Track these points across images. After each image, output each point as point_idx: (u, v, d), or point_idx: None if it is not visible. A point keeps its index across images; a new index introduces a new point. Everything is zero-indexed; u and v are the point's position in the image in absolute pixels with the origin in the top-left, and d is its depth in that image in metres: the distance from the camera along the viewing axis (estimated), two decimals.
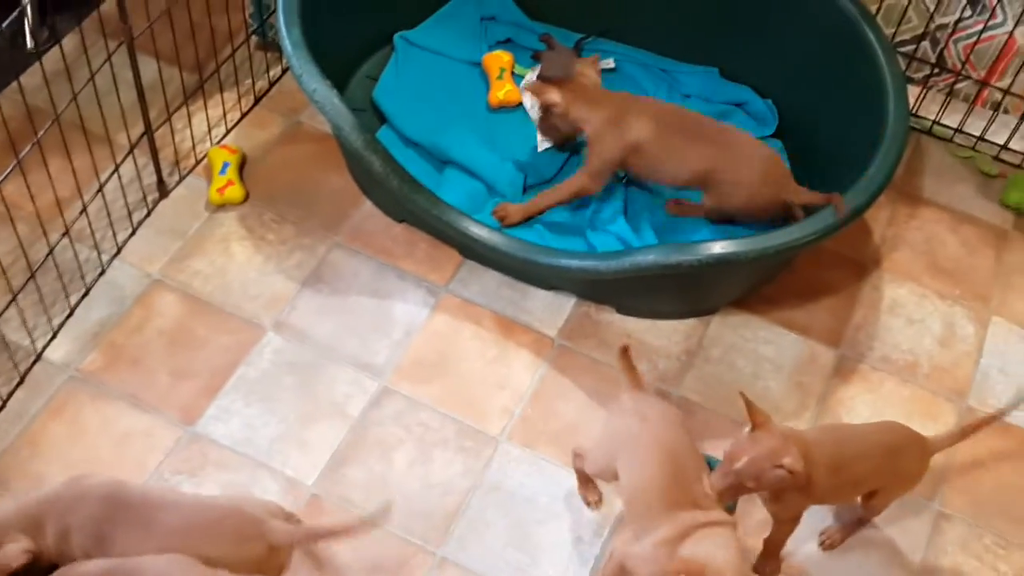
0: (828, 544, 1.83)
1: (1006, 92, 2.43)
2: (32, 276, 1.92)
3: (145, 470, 1.82)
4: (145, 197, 2.16)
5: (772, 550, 1.75)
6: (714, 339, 2.09)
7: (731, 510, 1.71)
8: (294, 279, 2.09)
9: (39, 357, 1.94)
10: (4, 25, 1.70)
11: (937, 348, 2.13)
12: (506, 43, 2.52)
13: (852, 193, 1.96)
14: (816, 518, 1.83)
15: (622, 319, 2.10)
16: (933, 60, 2.47)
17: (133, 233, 2.13)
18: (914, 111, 2.47)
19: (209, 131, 2.30)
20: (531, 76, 2.38)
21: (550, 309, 2.11)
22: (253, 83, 2.38)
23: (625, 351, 1.77)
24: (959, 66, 2.45)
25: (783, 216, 2.06)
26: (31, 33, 2.36)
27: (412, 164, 2.16)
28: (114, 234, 2.10)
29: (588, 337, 2.07)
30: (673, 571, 1.48)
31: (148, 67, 2.04)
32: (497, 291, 2.12)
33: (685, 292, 2.08)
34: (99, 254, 2.06)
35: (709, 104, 2.40)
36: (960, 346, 2.14)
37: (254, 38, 2.41)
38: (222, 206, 2.19)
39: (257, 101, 2.39)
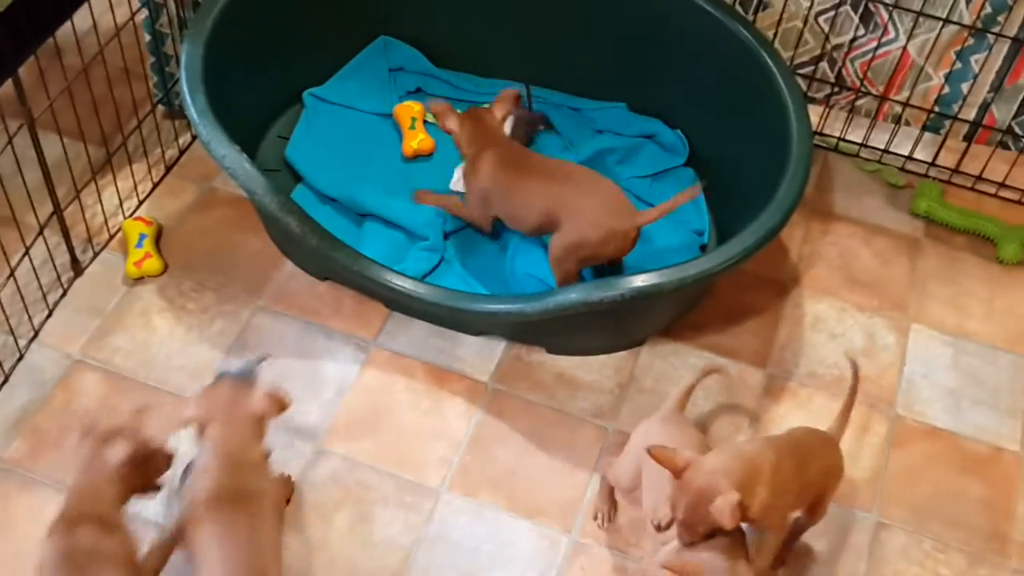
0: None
1: (905, 105, 2.51)
2: None
3: None
4: (59, 277, 2.12)
5: (768, 563, 1.73)
6: (645, 370, 2.11)
7: None
8: (218, 347, 2.06)
9: None
10: None
11: (861, 360, 2.16)
12: (416, 93, 2.53)
13: (765, 215, 1.99)
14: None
15: (553, 358, 2.11)
16: (833, 79, 2.54)
17: (50, 315, 2.09)
18: (819, 130, 2.54)
19: (121, 204, 2.27)
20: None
21: (481, 354, 2.11)
22: (163, 152, 2.36)
23: (707, 373, 1.89)
24: (858, 83, 2.53)
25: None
26: None
27: (330, 221, 2.16)
28: (30, 317, 2.05)
29: (521, 379, 2.08)
30: (668, 568, 1.50)
31: (53, 145, 2.01)
32: (426, 341, 2.12)
33: (612, 327, 2.09)
34: (15, 339, 2.02)
35: (620, 138, 2.44)
36: (883, 356, 2.19)
37: (160, 107, 2.39)
38: (140, 279, 2.16)
39: (168, 170, 2.37)
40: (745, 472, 1.56)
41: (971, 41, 2.38)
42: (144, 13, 2.25)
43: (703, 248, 2.26)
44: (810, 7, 2.43)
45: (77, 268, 2.15)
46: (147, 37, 2.30)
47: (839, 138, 2.55)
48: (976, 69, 2.42)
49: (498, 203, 2.12)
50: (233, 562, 1.51)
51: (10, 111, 1.90)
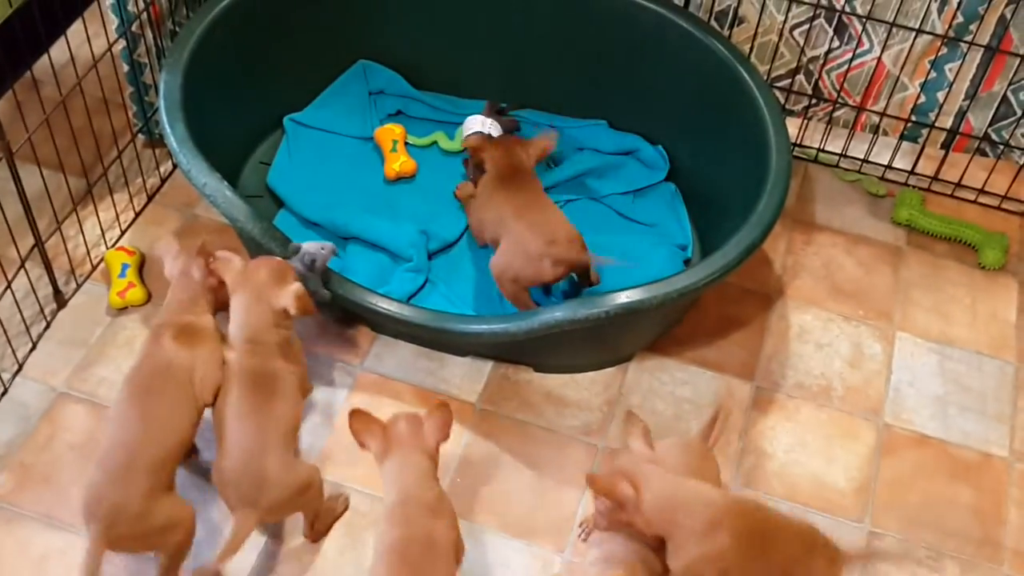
0: None
1: (882, 114, 2.53)
2: None
3: None
4: (42, 309, 2.11)
5: None
6: (632, 386, 2.11)
7: None
8: None
9: None
10: None
11: (848, 369, 2.18)
12: (396, 115, 2.54)
13: (747, 227, 2.00)
14: None
15: (541, 377, 2.11)
16: (810, 91, 2.55)
17: (33, 347, 2.07)
18: (798, 141, 2.56)
19: (103, 234, 2.26)
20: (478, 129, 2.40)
21: (468, 375, 2.10)
22: (144, 181, 2.35)
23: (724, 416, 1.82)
24: (835, 94, 2.55)
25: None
26: None
27: None
28: (13, 351, 2.04)
29: (509, 399, 2.07)
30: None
31: (32, 177, 2.00)
32: (414, 363, 2.11)
33: (599, 344, 2.09)
34: None
35: (601, 155, 2.45)
36: (869, 365, 2.19)
37: (140, 137, 2.39)
38: (124, 309, 2.15)
39: (150, 199, 2.36)
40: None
41: (945, 50, 2.40)
42: (122, 43, 2.25)
43: (687, 262, 2.27)
44: (784, 21, 2.45)
45: (60, 300, 2.14)
46: (125, 67, 2.30)
47: (819, 149, 2.57)
48: (951, 78, 2.44)
49: (475, 207, 2.20)
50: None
51: None
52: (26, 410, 1.99)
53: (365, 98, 2.53)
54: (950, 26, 2.36)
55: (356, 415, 1.67)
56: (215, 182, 1.98)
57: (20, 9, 1.91)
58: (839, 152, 2.56)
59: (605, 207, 2.36)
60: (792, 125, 2.51)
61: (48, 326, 2.11)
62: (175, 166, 2.40)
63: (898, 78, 2.48)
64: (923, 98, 2.49)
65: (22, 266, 2.03)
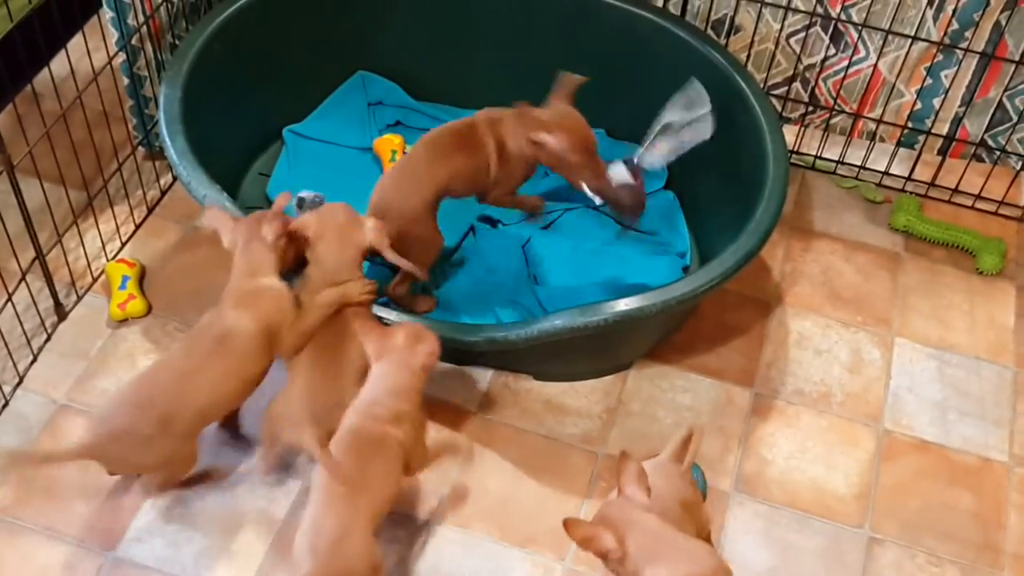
0: None
1: (879, 121, 2.54)
2: None
3: None
4: (43, 321, 2.12)
5: None
6: (632, 394, 2.12)
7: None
8: None
9: None
10: None
11: (847, 376, 2.18)
12: (395, 126, 2.55)
13: (745, 235, 2.01)
14: None
15: (541, 385, 2.11)
16: (806, 99, 2.57)
17: (34, 360, 2.08)
18: (796, 149, 2.57)
19: (103, 247, 2.27)
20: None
21: (468, 384, 2.11)
22: (144, 193, 2.36)
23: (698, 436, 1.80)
24: (831, 102, 2.56)
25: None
26: None
27: None
28: (14, 363, 2.04)
29: (509, 407, 2.08)
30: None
31: (33, 190, 2.01)
32: None
33: (598, 351, 2.10)
34: (0, 386, 2.01)
35: None
36: (869, 371, 2.20)
37: (140, 149, 2.40)
38: (124, 321, 2.15)
39: (150, 211, 2.37)
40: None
41: (940, 57, 2.41)
42: (122, 56, 2.27)
43: (685, 270, 2.27)
44: (780, 29, 2.46)
45: (61, 312, 2.15)
46: (125, 80, 2.31)
47: (816, 156, 2.57)
48: (946, 84, 2.45)
49: None
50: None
51: None
52: (27, 422, 1.99)
53: (364, 109, 2.55)
54: (945, 33, 2.37)
55: (358, 319, 1.82)
56: (215, 194, 1.99)
57: (21, 23, 1.92)
58: (836, 159, 2.57)
59: (603, 216, 2.37)
60: (789, 133, 2.51)
61: (49, 338, 2.12)
62: (175, 178, 2.41)
63: (894, 85, 2.49)
64: (919, 104, 2.50)
65: (23, 279, 2.04)
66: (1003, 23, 2.33)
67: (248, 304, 1.79)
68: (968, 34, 2.36)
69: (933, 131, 2.52)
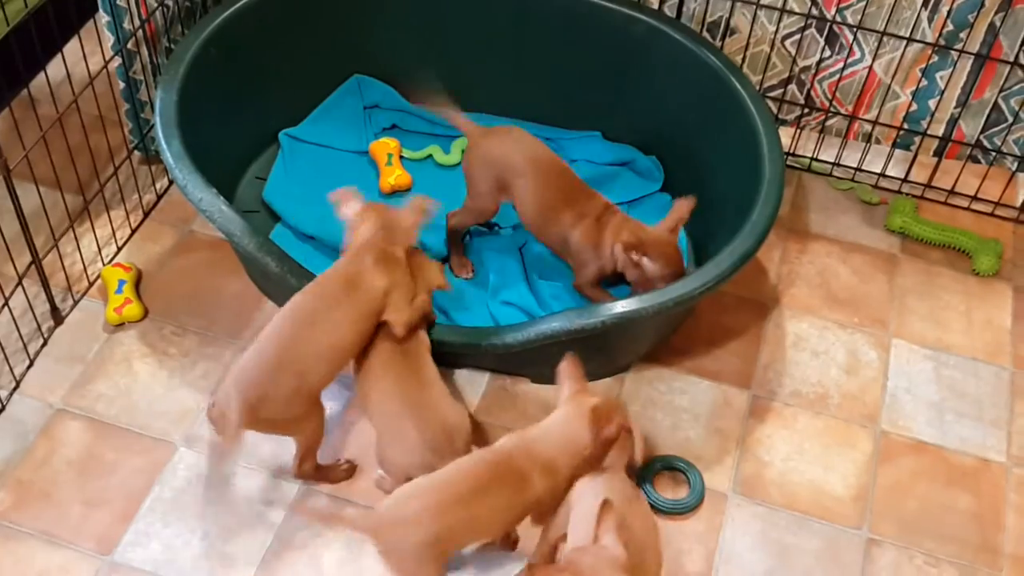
0: None
1: (875, 123, 2.54)
2: None
3: None
4: (39, 326, 2.11)
5: None
6: (630, 396, 2.11)
7: None
8: (201, 390, 2.05)
9: None
10: None
11: (844, 377, 2.18)
12: (391, 129, 2.55)
13: (741, 236, 2.01)
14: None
15: (538, 388, 2.11)
16: (802, 101, 2.57)
17: (31, 365, 2.08)
18: (792, 151, 2.57)
19: (100, 251, 2.26)
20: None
21: (466, 387, 2.10)
22: (140, 198, 2.36)
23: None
24: (827, 103, 2.56)
25: None
26: None
27: (310, 259, 2.16)
28: (11, 368, 2.04)
29: (507, 410, 2.08)
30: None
31: (29, 194, 2.01)
32: None
33: (595, 354, 2.09)
34: None
35: (596, 166, 2.46)
36: (866, 372, 2.20)
37: (136, 153, 2.40)
38: (121, 325, 2.15)
39: (146, 215, 2.37)
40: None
41: (935, 58, 2.42)
42: (118, 61, 2.27)
43: None
44: (776, 31, 2.46)
45: (57, 316, 2.15)
46: (121, 84, 2.32)
47: (812, 158, 2.58)
48: (942, 85, 2.46)
49: None
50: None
51: None
52: (24, 427, 1.99)
53: (360, 112, 2.55)
54: (940, 34, 2.37)
55: (342, 195, 1.96)
56: (211, 197, 1.99)
57: (17, 27, 1.92)
58: (832, 161, 2.57)
59: None
60: (785, 134, 2.52)
61: (45, 343, 2.12)
62: (171, 182, 2.41)
63: (890, 86, 2.50)
64: (915, 106, 2.51)
65: (19, 283, 2.04)
66: (997, 24, 2.34)
67: (386, 263, 1.86)
68: (963, 35, 2.36)
69: (929, 132, 2.53)
